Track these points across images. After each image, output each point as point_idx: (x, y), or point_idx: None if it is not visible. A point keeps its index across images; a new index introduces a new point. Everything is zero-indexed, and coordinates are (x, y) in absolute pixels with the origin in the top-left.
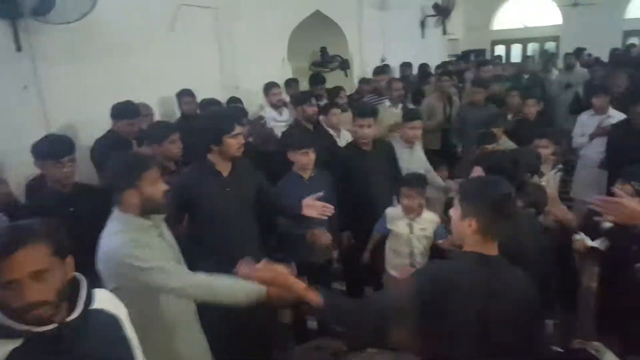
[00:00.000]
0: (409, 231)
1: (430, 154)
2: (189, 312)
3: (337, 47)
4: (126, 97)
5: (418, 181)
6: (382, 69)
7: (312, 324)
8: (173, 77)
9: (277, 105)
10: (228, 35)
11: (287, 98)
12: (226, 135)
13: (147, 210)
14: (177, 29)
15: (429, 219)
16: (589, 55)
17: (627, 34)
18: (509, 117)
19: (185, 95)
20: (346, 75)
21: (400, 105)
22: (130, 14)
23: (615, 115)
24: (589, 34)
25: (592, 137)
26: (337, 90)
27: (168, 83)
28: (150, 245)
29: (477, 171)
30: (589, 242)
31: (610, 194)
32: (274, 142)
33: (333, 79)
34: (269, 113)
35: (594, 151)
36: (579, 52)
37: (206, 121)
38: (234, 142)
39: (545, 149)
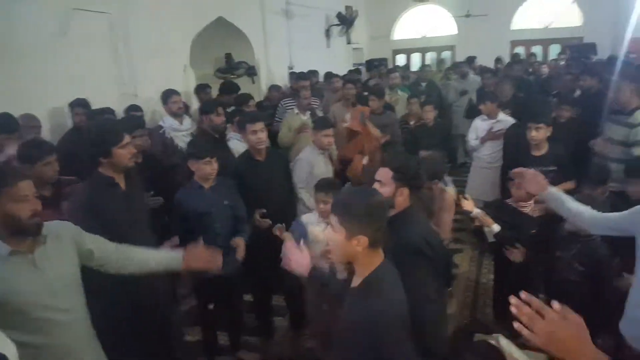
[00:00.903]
0: None
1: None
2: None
3: (242, 53)
4: (13, 108)
5: (332, 186)
6: (305, 75)
7: (224, 339)
8: (65, 86)
9: (177, 114)
10: (124, 42)
11: (195, 105)
12: (115, 147)
13: (8, 231)
14: (70, 35)
15: None
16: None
17: (514, 43)
18: (411, 123)
19: (76, 105)
20: (253, 82)
21: (308, 113)
22: (18, 17)
23: (504, 120)
24: (480, 43)
25: (482, 140)
26: (246, 98)
27: (60, 92)
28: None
29: (381, 172)
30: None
31: (506, 191)
32: (177, 153)
33: (240, 85)
34: (168, 122)
35: (485, 153)
36: (470, 60)
37: (93, 133)
38: (124, 153)
39: None
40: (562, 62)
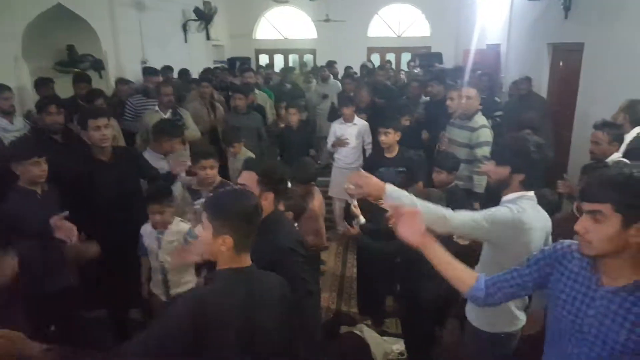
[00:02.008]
0: (157, 246)
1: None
2: None
3: (87, 46)
4: None
5: (164, 196)
6: (154, 70)
7: None
8: None
9: (7, 112)
10: None
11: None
12: None
13: None
14: None
15: (176, 230)
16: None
17: (370, 50)
18: (282, 125)
19: None
20: (100, 77)
21: (169, 111)
22: None
23: (359, 124)
24: (339, 48)
25: (333, 145)
26: (97, 94)
27: None
28: None
29: (246, 176)
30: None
31: None
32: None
33: None
34: None
35: (343, 155)
36: (330, 65)
37: None
38: None
39: None
40: (416, 70)
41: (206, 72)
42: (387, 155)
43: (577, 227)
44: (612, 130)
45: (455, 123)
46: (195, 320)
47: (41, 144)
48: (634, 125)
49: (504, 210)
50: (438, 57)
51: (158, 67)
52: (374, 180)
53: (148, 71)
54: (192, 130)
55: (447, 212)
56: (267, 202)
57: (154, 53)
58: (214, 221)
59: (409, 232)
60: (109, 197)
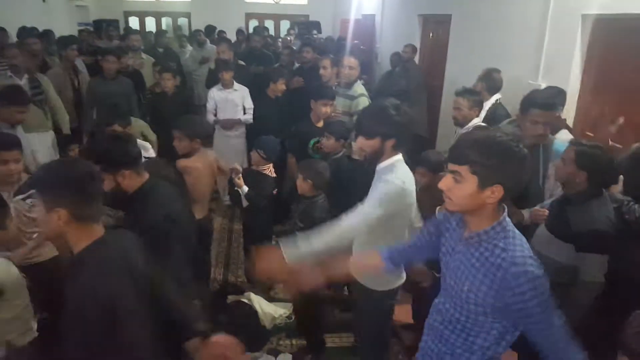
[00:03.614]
0: None
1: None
2: None
3: None
4: None
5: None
6: None
7: None
8: None
9: None
10: None
11: None
12: None
13: None
14: None
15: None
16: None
17: (248, 16)
18: (157, 91)
19: None
20: None
21: (25, 77)
22: None
23: (239, 89)
24: (216, 12)
25: (222, 126)
26: None
27: None
28: None
29: None
30: None
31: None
32: None
33: None
34: None
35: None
36: (210, 30)
37: None
38: None
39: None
40: (290, 37)
41: (69, 38)
42: (318, 125)
43: (440, 184)
44: (472, 96)
45: (337, 91)
46: (101, 306)
47: None
48: (491, 93)
49: (387, 187)
50: (316, 25)
51: (12, 30)
52: (274, 261)
53: None
54: (53, 100)
55: (340, 228)
56: (127, 180)
57: (7, 14)
58: (43, 196)
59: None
60: None
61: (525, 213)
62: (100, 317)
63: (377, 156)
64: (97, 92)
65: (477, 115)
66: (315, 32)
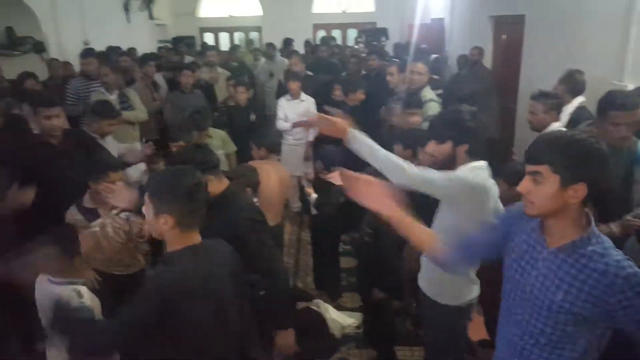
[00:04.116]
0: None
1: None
2: None
3: (26, 27)
4: None
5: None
6: (90, 52)
7: None
8: None
9: None
10: None
11: None
12: None
13: None
14: None
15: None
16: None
17: (316, 27)
18: (230, 104)
19: None
20: (43, 60)
21: (116, 92)
22: None
23: (307, 99)
24: (285, 25)
25: (294, 125)
26: (25, 76)
27: None
28: None
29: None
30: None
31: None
32: None
33: (27, 63)
34: None
35: (290, 131)
36: (288, 42)
37: None
38: None
39: None
40: (359, 45)
41: (150, 55)
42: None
43: (520, 188)
44: (547, 100)
45: (402, 98)
46: (163, 307)
47: None
48: (572, 96)
49: (465, 172)
50: (384, 32)
51: (101, 48)
52: (339, 121)
53: (83, 53)
54: (140, 112)
55: (407, 164)
56: (212, 184)
57: (96, 34)
58: (154, 200)
59: (374, 201)
60: (60, 179)
61: (614, 227)
62: (155, 309)
63: (449, 162)
64: (175, 105)
65: (557, 120)
66: (383, 38)
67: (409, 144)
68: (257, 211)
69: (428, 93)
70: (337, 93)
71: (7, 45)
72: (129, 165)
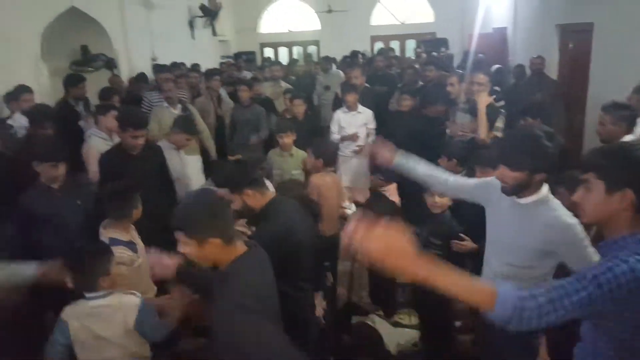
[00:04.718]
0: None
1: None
2: None
3: (100, 45)
4: None
5: None
6: (162, 67)
7: None
8: None
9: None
10: None
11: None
12: None
13: None
14: None
15: None
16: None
17: (374, 38)
18: (289, 117)
19: None
20: (114, 75)
21: (179, 106)
22: None
23: (364, 111)
24: (343, 38)
25: (342, 139)
26: (110, 92)
27: None
28: None
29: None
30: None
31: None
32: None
33: (99, 78)
34: (19, 120)
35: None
36: (354, 55)
37: None
38: None
39: None
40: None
41: (214, 70)
42: None
43: (575, 197)
44: (617, 111)
45: (462, 107)
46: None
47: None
48: None
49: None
50: (444, 42)
51: (166, 63)
52: (385, 151)
53: (157, 68)
54: (201, 127)
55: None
56: (250, 199)
57: (162, 50)
58: (193, 236)
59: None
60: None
61: None
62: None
63: (520, 190)
64: (235, 119)
65: (629, 132)
66: (443, 49)
67: (455, 155)
68: (294, 221)
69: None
70: (407, 103)
71: (82, 61)
72: None
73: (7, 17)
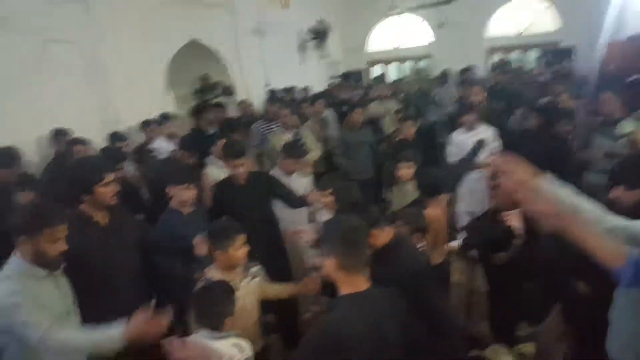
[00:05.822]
0: None
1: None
2: None
3: (217, 74)
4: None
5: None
6: (274, 98)
7: None
8: (46, 116)
9: (170, 137)
10: (100, 69)
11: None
12: (97, 185)
13: (37, 262)
14: (45, 66)
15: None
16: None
17: (490, 50)
18: (400, 138)
19: (57, 135)
20: (242, 101)
21: (293, 131)
22: None
23: (483, 132)
24: (457, 51)
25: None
26: (234, 125)
27: (41, 123)
28: (39, 295)
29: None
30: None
31: None
32: None
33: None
34: (160, 144)
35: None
36: (464, 70)
37: (74, 171)
38: (107, 191)
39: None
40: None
41: (318, 95)
42: None
43: None
44: None
45: (600, 130)
46: (324, 349)
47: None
48: None
49: None
50: (567, 53)
51: (278, 87)
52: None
53: (270, 99)
54: (313, 150)
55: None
56: (378, 237)
57: (274, 75)
58: (322, 244)
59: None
60: (244, 214)
61: None
62: (322, 350)
63: (635, 211)
64: (344, 142)
65: None
66: (567, 60)
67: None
68: (421, 262)
69: (627, 126)
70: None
71: (202, 90)
72: None
73: (139, 53)
